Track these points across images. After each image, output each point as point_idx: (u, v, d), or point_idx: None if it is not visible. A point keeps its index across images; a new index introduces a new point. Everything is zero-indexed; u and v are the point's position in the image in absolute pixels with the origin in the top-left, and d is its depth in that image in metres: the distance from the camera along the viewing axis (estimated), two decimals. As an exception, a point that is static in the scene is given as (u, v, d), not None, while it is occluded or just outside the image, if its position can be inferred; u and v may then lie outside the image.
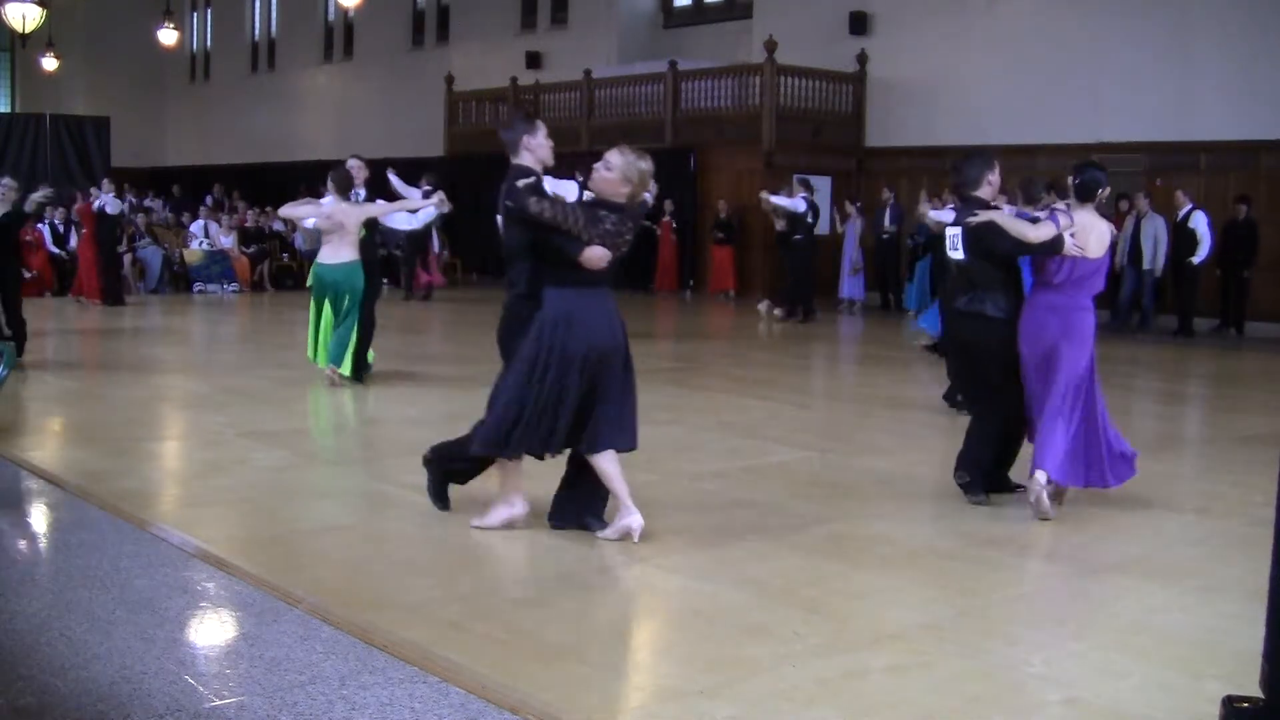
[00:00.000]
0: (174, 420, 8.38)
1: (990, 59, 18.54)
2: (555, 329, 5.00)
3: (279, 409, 8.57)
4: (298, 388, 9.16)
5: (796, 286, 16.15)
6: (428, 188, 18.25)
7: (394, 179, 17.14)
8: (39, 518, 5.70)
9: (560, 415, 5.02)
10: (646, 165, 5.05)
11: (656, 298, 19.71)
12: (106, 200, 17.29)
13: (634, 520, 5.08)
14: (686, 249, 20.65)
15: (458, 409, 8.66)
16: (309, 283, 9.39)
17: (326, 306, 9.13)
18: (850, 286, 18.53)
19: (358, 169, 9.72)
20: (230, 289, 19.80)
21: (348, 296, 9.09)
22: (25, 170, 23.44)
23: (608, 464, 5.12)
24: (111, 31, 34.35)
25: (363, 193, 9.62)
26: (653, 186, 5.50)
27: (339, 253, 9.04)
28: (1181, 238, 15.44)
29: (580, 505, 5.31)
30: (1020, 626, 4.34)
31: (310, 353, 9.42)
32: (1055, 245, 5.75)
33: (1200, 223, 15.28)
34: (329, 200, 9.16)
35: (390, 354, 12.37)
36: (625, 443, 5.17)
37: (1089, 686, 3.68)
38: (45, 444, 7.34)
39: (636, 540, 5.07)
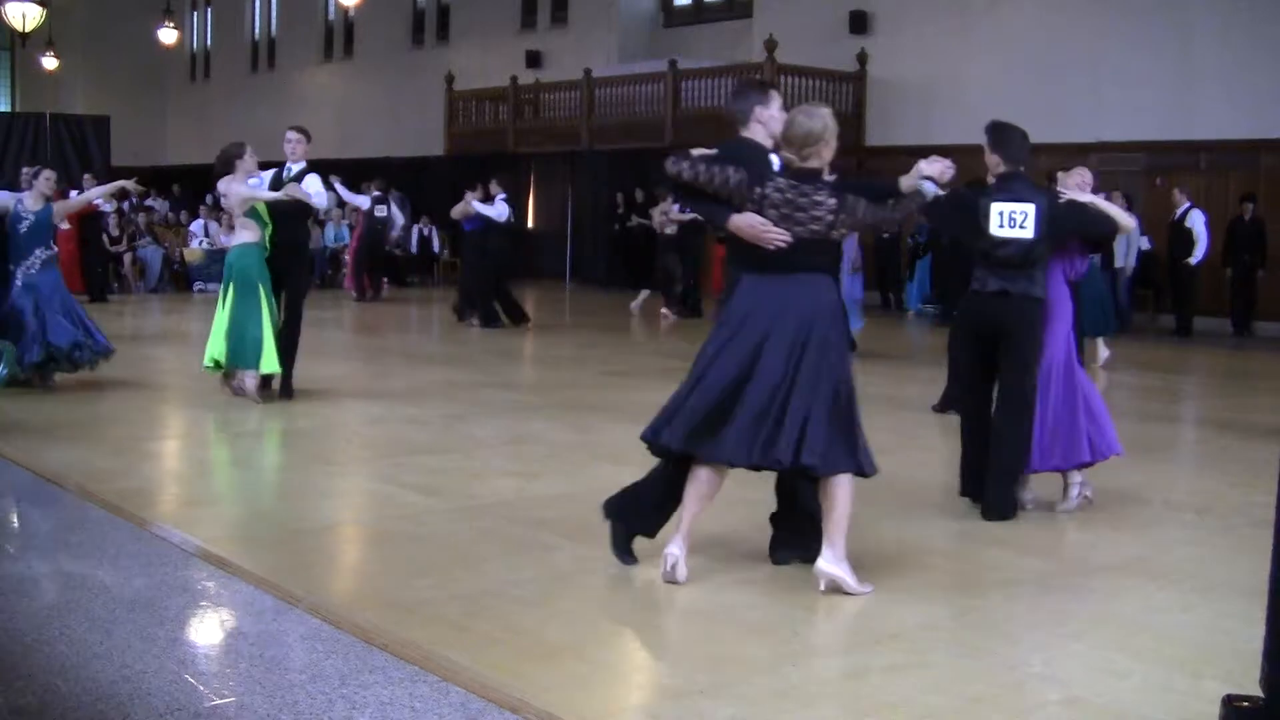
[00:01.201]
0: (174, 420, 8.38)
1: (990, 59, 18.54)
2: (724, 324, 4.45)
3: (279, 408, 8.56)
4: (297, 387, 9.14)
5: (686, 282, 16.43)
6: (377, 193, 18.23)
7: (339, 188, 17.13)
8: (39, 518, 5.69)
9: (720, 406, 4.33)
10: (804, 122, 4.44)
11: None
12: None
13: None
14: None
15: (458, 410, 8.68)
16: None
17: (230, 294, 8.31)
18: (850, 286, 18.52)
19: (295, 142, 8.70)
20: (230, 288, 19.76)
21: (233, 284, 8.29)
22: (25, 170, 23.40)
23: (839, 489, 4.47)
24: (111, 31, 34.36)
25: (294, 168, 8.63)
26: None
27: (238, 234, 8.49)
28: (1178, 237, 15.42)
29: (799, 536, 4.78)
30: (1020, 626, 4.34)
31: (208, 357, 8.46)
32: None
33: (1197, 222, 15.25)
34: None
35: (390, 353, 12.38)
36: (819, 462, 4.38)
37: (1089, 686, 3.68)
38: (45, 444, 7.34)
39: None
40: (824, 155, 4.46)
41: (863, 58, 20.23)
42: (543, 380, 10.74)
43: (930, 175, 4.76)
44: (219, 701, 3.42)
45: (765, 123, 4.68)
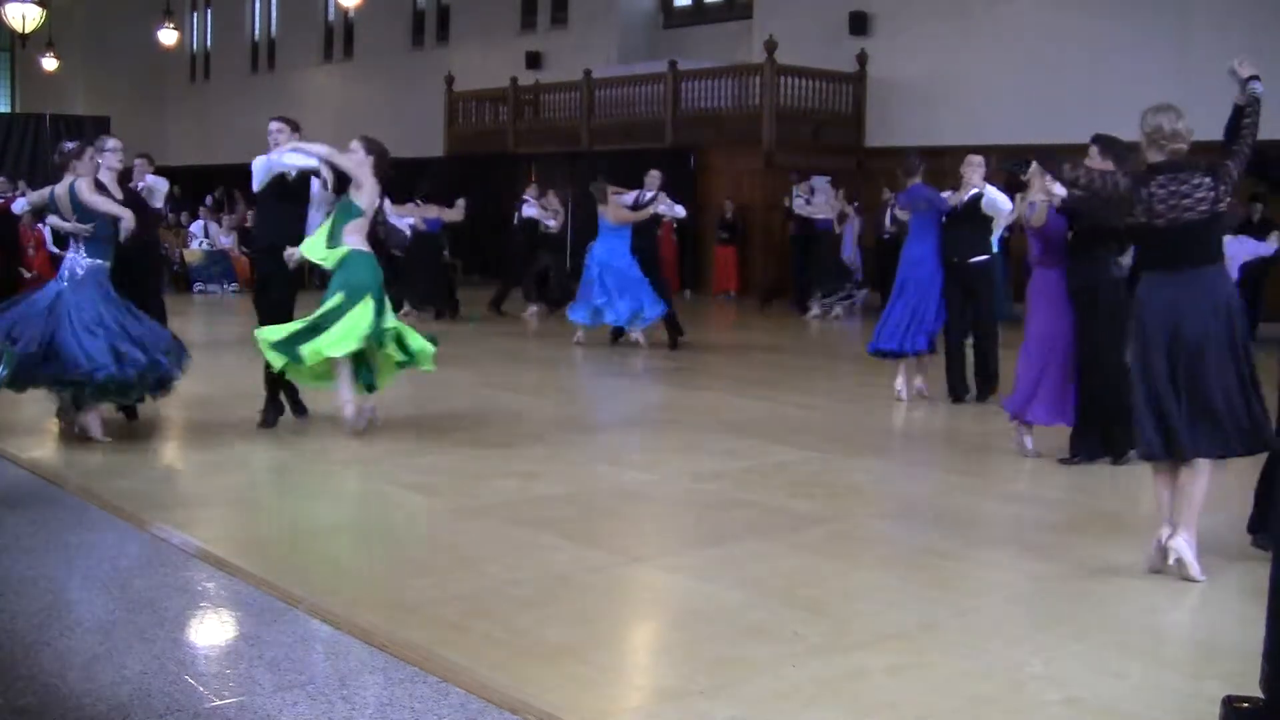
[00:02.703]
0: (174, 420, 8.38)
1: (990, 59, 18.54)
2: (1135, 315, 4.75)
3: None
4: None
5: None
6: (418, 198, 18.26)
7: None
8: (39, 518, 5.69)
9: (1164, 408, 4.58)
10: (1167, 119, 4.89)
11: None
12: (19, 200, 16.75)
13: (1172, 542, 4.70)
14: (687, 249, 20.66)
15: (458, 410, 8.68)
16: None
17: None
18: (849, 287, 18.55)
19: (276, 132, 7.50)
20: (230, 289, 19.81)
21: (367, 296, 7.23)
22: (25, 170, 23.45)
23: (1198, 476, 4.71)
24: (111, 31, 34.35)
25: (287, 163, 7.45)
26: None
27: (348, 237, 7.37)
28: None
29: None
30: (1020, 626, 4.34)
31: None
32: None
33: None
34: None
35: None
36: (1215, 448, 4.65)
37: (1089, 686, 3.68)
38: (45, 444, 7.34)
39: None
40: (1183, 147, 4.78)
41: (863, 58, 20.23)
42: (543, 381, 10.74)
43: (1255, 74, 4.97)
44: (219, 702, 3.42)
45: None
